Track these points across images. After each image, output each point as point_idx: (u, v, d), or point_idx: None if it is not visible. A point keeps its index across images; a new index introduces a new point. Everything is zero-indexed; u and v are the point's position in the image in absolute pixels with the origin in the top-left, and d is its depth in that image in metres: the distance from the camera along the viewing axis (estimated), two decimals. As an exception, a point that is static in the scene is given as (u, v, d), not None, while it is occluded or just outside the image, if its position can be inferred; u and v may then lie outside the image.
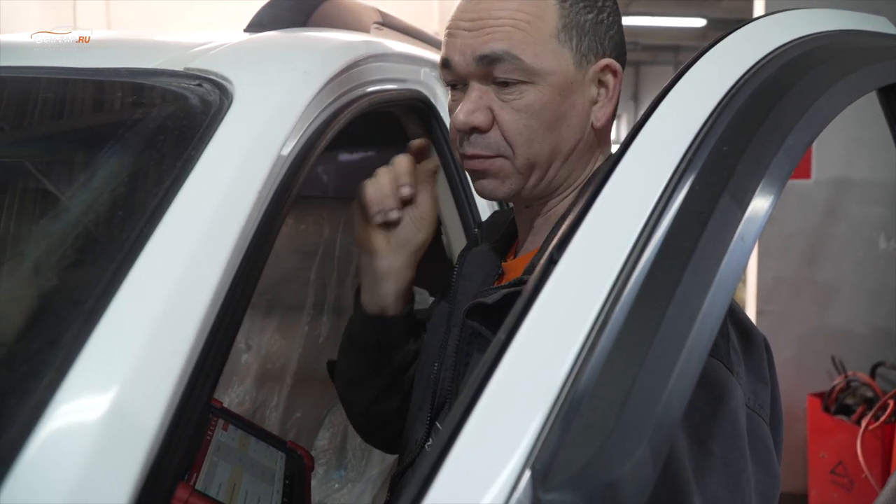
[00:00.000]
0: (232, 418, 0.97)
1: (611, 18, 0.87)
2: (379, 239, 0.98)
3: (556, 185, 0.88)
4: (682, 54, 14.61)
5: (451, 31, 0.86)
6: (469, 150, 0.86)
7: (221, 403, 0.97)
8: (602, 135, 0.90)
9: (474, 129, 0.84)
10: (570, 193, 0.89)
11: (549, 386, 0.49)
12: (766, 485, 0.74)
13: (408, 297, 1.03)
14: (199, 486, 0.78)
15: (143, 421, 0.50)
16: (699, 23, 10.60)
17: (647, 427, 0.47)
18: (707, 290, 0.55)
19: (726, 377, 0.72)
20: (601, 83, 0.87)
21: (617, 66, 0.87)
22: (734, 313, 0.79)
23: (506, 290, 0.79)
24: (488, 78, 0.83)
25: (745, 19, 0.86)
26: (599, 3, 0.86)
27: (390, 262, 0.98)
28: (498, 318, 0.80)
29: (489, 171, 0.86)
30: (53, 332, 0.53)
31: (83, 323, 0.52)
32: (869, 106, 1.16)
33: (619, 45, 0.89)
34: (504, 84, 0.83)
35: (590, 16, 0.85)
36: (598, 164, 0.90)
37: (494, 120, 0.84)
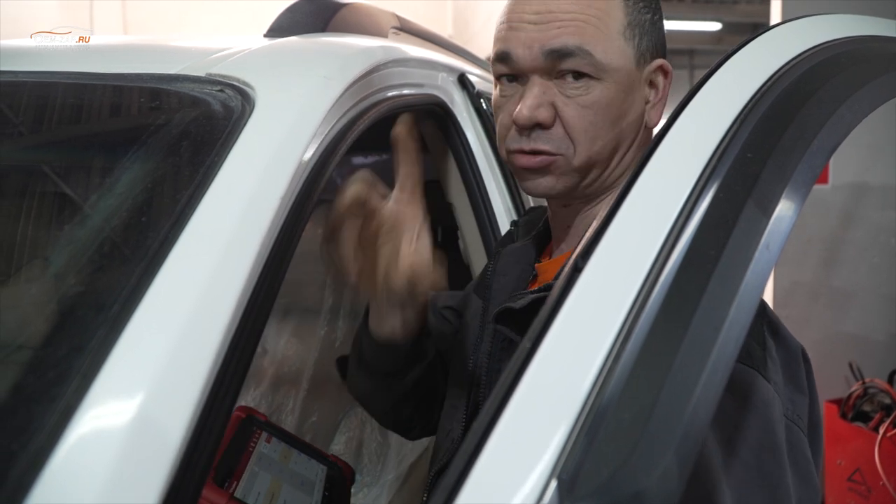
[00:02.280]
0: (276, 431, 0.97)
1: (661, 24, 0.90)
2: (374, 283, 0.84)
3: (609, 183, 0.87)
4: (697, 58, 14.54)
5: (513, 23, 0.83)
6: (528, 146, 0.83)
7: (266, 417, 0.97)
8: (651, 136, 0.90)
9: (537, 125, 0.82)
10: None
11: (575, 395, 0.49)
12: (806, 498, 0.71)
13: (419, 325, 0.92)
14: (237, 494, 0.79)
15: (169, 427, 0.50)
16: (714, 26, 10.56)
17: (673, 437, 0.47)
18: (732, 298, 0.55)
19: (763, 387, 0.70)
20: (652, 84, 0.88)
21: (669, 67, 0.88)
22: (772, 322, 0.78)
23: (534, 296, 0.78)
24: (552, 73, 0.82)
25: (760, 23, 0.87)
26: (654, 5, 0.89)
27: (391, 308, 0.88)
28: (527, 322, 0.78)
29: (548, 168, 0.84)
30: (80, 338, 0.53)
31: (109, 329, 0.53)
32: (886, 111, 1.15)
33: (665, 49, 0.90)
34: (569, 80, 0.82)
35: (648, 16, 0.87)
36: None
37: (557, 116, 0.82)
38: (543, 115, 0.81)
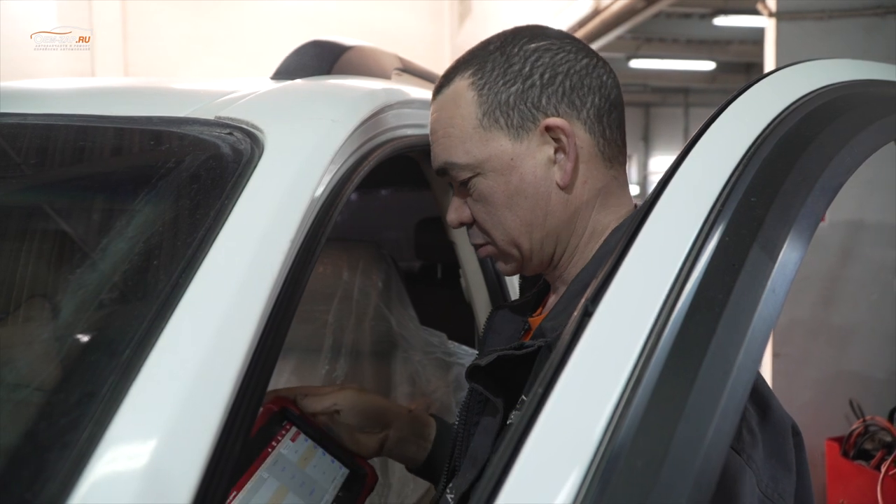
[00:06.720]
0: (307, 428, 0.96)
1: (547, 75, 0.84)
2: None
3: (549, 252, 0.88)
4: (691, 96, 14.73)
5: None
6: (471, 241, 0.95)
7: (300, 410, 0.97)
8: (581, 190, 0.86)
9: (462, 224, 0.92)
10: (575, 253, 0.88)
11: (587, 441, 0.49)
12: None
13: (422, 443, 1.09)
14: None
15: (182, 474, 0.49)
16: (708, 66, 10.72)
17: (687, 483, 0.47)
18: (741, 342, 0.56)
19: (735, 463, 0.67)
20: (556, 140, 0.84)
21: (559, 122, 0.83)
22: (756, 390, 0.74)
23: (499, 352, 0.80)
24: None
25: (754, 63, 0.87)
26: (527, 69, 0.84)
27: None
28: (494, 379, 0.81)
29: (494, 256, 0.92)
30: (92, 385, 0.53)
31: (121, 375, 0.53)
32: (883, 149, 1.17)
33: (572, 94, 0.84)
34: (463, 184, 0.88)
35: (513, 88, 0.83)
36: (598, 216, 0.87)
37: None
38: (464, 216, 0.91)
